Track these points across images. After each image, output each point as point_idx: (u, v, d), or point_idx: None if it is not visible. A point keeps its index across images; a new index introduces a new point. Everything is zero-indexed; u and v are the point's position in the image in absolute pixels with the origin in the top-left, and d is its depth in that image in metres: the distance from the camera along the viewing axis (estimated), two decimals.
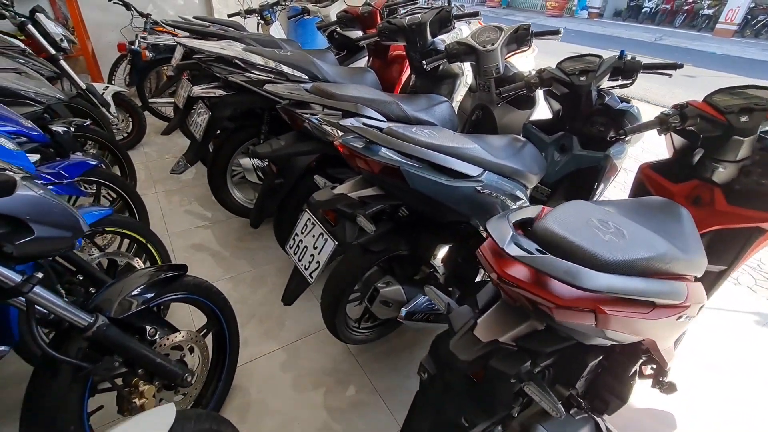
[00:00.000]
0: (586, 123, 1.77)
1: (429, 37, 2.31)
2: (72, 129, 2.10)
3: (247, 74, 1.83)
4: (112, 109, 3.07)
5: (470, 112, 2.33)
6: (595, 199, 1.88)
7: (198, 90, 1.87)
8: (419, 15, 2.28)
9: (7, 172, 0.81)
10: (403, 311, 1.27)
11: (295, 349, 1.72)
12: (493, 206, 1.34)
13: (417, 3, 2.64)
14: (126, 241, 1.70)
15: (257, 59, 1.82)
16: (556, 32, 1.93)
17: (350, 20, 2.92)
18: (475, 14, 2.21)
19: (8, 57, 2.12)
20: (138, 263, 1.58)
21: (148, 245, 1.67)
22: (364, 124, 1.20)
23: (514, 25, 2.00)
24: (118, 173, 2.49)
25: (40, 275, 0.82)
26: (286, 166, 1.66)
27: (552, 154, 1.82)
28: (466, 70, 2.59)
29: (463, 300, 1.22)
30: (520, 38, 1.99)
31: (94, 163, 1.83)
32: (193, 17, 2.85)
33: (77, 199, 2.18)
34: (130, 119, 3.30)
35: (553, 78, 1.67)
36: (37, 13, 2.69)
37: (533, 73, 1.72)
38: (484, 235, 1.10)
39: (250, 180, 2.00)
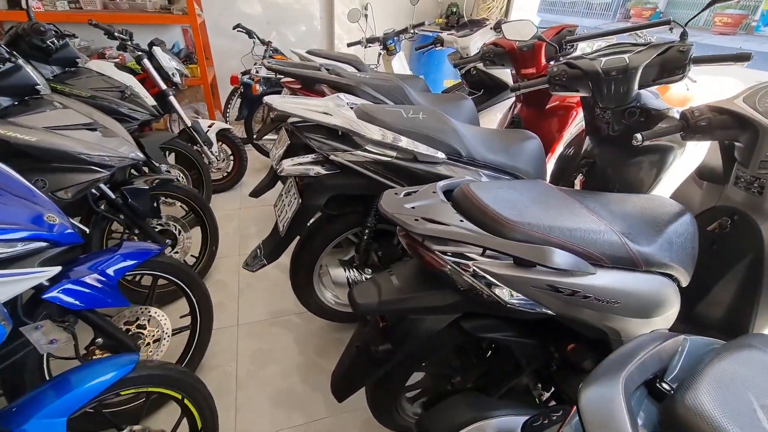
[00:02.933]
0: None
1: (635, 88, 1.46)
2: (147, 187, 1.77)
3: (357, 152, 1.21)
4: (215, 148, 2.82)
5: (703, 213, 1.39)
6: None
7: (287, 166, 1.30)
8: (625, 56, 1.43)
9: None
10: None
11: None
12: None
13: (613, 40, 1.75)
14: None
15: (374, 133, 1.18)
16: None
17: (498, 55, 2.17)
18: (746, 58, 1.28)
19: (101, 103, 1.85)
20: None
21: (189, 404, 1.13)
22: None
23: None
24: (200, 231, 2.11)
25: None
26: (400, 324, 0.97)
27: None
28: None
29: None
30: None
31: (153, 250, 1.40)
32: (306, 51, 2.40)
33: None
34: (231, 158, 3.02)
35: None
36: (155, 47, 2.52)
37: None
38: None
39: (340, 297, 1.38)
